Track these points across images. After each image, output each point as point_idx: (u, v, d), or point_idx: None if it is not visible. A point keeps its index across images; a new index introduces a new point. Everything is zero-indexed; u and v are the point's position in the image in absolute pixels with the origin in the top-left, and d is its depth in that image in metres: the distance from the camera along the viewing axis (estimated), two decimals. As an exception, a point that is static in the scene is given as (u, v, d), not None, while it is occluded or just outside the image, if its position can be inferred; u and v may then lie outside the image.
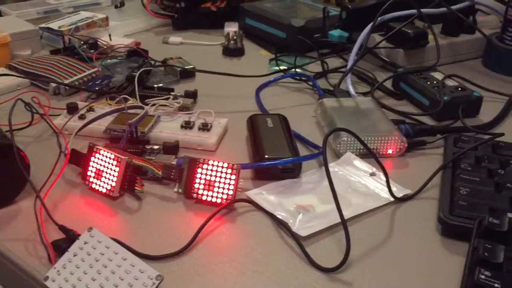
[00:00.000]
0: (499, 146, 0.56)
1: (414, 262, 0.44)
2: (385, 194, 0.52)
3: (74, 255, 0.42)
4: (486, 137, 0.58)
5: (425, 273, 0.43)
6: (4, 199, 0.50)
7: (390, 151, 0.59)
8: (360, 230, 0.47)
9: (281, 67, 0.81)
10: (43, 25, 0.90)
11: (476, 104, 0.68)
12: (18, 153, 0.48)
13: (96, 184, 0.51)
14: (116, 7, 1.11)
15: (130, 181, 0.51)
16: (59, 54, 0.83)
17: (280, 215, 0.48)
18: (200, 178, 0.50)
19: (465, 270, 0.41)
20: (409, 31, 0.79)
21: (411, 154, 0.59)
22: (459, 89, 0.68)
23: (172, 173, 0.51)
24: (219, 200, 0.50)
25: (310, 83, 0.77)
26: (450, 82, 0.70)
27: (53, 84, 0.72)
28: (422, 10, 0.81)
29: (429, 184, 0.53)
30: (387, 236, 0.47)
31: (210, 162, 0.50)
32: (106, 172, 0.51)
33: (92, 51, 0.84)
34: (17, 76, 0.74)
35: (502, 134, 0.58)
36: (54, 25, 0.90)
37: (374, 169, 0.55)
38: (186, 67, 0.79)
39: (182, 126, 0.61)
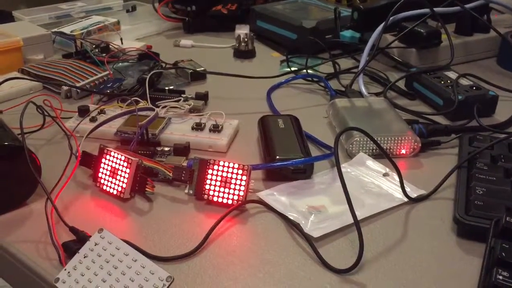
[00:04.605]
0: (516, 145, 0.55)
1: (429, 264, 0.43)
2: (398, 194, 0.51)
3: (85, 257, 0.41)
4: (502, 136, 0.57)
5: (441, 274, 0.42)
6: (16, 201, 0.50)
7: (403, 151, 0.58)
8: (374, 231, 0.47)
9: (292, 68, 0.81)
10: (55, 30, 0.91)
11: (492, 103, 0.67)
12: (30, 155, 0.48)
13: (106, 185, 0.51)
14: (127, 11, 1.12)
15: (140, 182, 0.50)
16: (71, 58, 0.84)
17: (292, 216, 0.48)
18: (211, 179, 0.50)
19: (482, 271, 0.40)
20: (422, 30, 0.78)
21: (425, 154, 0.59)
22: (474, 88, 0.67)
23: (183, 175, 0.51)
24: (230, 201, 0.49)
25: (322, 84, 0.77)
26: (464, 81, 0.68)
27: (65, 87, 0.72)
28: (435, 9, 0.80)
29: (444, 184, 0.52)
30: (401, 237, 0.46)
31: (221, 163, 0.49)
32: (117, 174, 0.50)
33: (104, 54, 0.84)
34: (30, 80, 0.74)
35: (519, 133, 0.57)
36: (66, 29, 0.91)
37: (388, 170, 0.54)
38: (197, 69, 0.79)
39: (193, 128, 0.61)
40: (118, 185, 0.50)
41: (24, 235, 0.46)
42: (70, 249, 0.43)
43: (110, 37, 0.93)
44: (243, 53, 0.90)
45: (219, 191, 0.49)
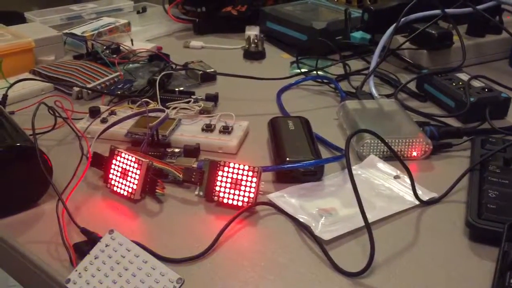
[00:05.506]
0: (529, 148, 0.54)
1: (441, 267, 0.42)
2: (410, 197, 0.50)
3: (96, 258, 0.42)
4: (515, 138, 0.56)
5: (453, 278, 0.41)
6: (27, 201, 0.50)
7: (414, 154, 0.57)
8: (385, 234, 0.46)
9: (303, 70, 0.81)
10: (66, 31, 0.92)
11: (504, 105, 0.66)
12: (41, 156, 0.49)
13: (117, 187, 0.51)
14: (138, 12, 1.12)
15: (151, 184, 0.50)
16: (82, 59, 0.84)
17: (302, 218, 0.47)
18: (221, 181, 0.50)
19: (495, 276, 0.39)
20: (433, 31, 0.78)
21: (436, 157, 0.58)
22: (486, 90, 0.66)
23: (193, 176, 0.51)
24: (240, 203, 0.49)
25: (332, 85, 0.76)
26: (476, 83, 0.68)
27: (76, 89, 0.73)
28: (447, 10, 0.80)
29: (456, 187, 0.51)
30: (412, 240, 0.46)
31: (231, 164, 0.49)
32: (128, 175, 0.51)
33: (115, 56, 0.85)
34: (41, 81, 0.75)
35: (532, 136, 0.57)
36: (78, 31, 0.91)
37: (399, 172, 0.54)
38: (207, 70, 0.79)
39: (203, 129, 0.61)
40: (129, 186, 0.51)
41: (35, 236, 0.46)
42: (81, 250, 0.43)
43: (120, 38, 0.93)
44: (253, 54, 0.90)
45: (229, 193, 0.49)
